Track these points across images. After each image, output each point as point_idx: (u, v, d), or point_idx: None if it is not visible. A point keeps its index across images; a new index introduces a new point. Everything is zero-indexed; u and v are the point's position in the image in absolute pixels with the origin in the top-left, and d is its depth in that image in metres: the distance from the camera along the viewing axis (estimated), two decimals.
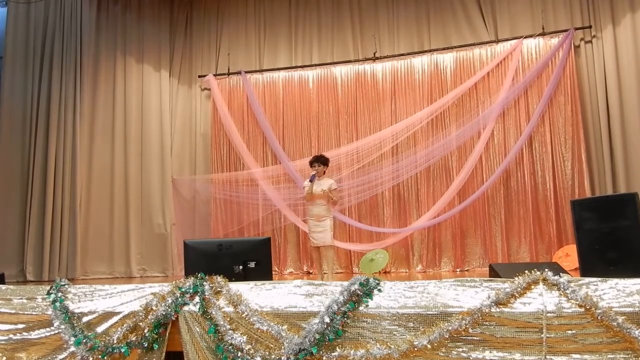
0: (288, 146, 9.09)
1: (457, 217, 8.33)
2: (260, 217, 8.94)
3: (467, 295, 2.49)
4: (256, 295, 2.80)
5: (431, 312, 2.45)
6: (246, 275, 3.59)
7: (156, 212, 9.04)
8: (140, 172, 9.11)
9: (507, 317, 2.35)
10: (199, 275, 2.92)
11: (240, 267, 3.64)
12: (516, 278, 2.48)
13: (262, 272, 3.67)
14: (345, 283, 2.63)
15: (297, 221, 8.72)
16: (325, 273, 6.83)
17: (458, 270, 8.24)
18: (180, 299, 2.83)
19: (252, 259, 3.70)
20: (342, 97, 9.05)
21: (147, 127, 9.25)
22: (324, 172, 6.91)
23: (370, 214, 8.66)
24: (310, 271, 8.66)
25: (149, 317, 2.82)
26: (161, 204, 9.10)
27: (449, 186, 8.39)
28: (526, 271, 2.49)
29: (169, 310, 2.80)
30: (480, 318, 2.36)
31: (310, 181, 6.75)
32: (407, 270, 8.43)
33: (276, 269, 8.70)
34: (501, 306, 2.39)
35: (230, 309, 2.73)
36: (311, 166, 6.89)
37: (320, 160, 6.89)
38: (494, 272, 3.93)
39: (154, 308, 2.84)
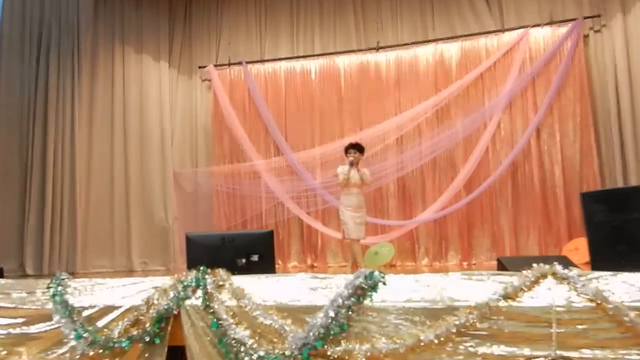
0: (291, 137, 9.07)
1: (463, 209, 8.31)
2: (263, 210, 8.93)
3: (475, 289, 2.48)
4: (259, 289, 2.80)
5: (437, 306, 2.44)
6: (249, 269, 3.58)
7: (157, 205, 9.04)
8: (141, 165, 9.10)
9: (515, 312, 2.34)
10: (201, 268, 2.91)
11: (243, 260, 3.63)
12: (524, 272, 2.46)
13: (266, 265, 3.67)
14: (350, 276, 2.63)
15: (301, 214, 8.71)
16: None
17: (465, 263, 8.24)
18: (182, 293, 2.83)
19: (255, 252, 3.69)
20: (345, 87, 9.02)
21: (147, 119, 9.23)
22: (359, 160, 6.89)
23: (374, 206, 8.65)
24: (315, 264, 8.67)
25: (151, 311, 2.81)
26: (162, 196, 9.10)
27: (454, 178, 8.38)
28: (534, 265, 2.48)
29: (171, 304, 2.80)
30: (488, 312, 2.35)
31: (351, 165, 6.70)
32: (413, 264, 8.43)
33: (280, 262, 8.71)
34: (509, 300, 2.37)
35: (233, 302, 2.72)
36: (346, 153, 6.84)
37: (358, 148, 6.84)
38: (502, 266, 3.92)
39: (155, 302, 2.84)
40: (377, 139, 8.63)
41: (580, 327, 2.25)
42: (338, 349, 2.46)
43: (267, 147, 9.16)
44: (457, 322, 2.35)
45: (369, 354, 2.40)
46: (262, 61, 9.40)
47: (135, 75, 9.30)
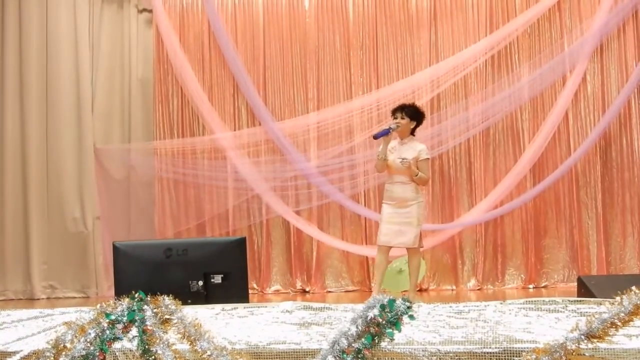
0: (272, 99, 9.04)
1: (530, 206, 8.34)
2: (230, 207, 8.92)
3: (544, 323, 2.50)
4: (225, 325, 2.82)
5: (490, 350, 2.46)
6: (209, 295, 3.60)
7: (70, 200, 9.01)
8: (45, 140, 9.04)
9: (604, 356, 2.37)
10: (136, 295, 2.93)
11: (200, 282, 3.65)
12: (618, 298, 2.48)
13: (234, 290, 3.69)
14: (360, 306, 2.64)
15: (287, 213, 8.70)
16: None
17: (531, 286, 8.29)
18: (108, 332, 2.85)
19: (218, 271, 3.71)
20: (354, 23, 8.97)
21: (55, 70, 9.15)
22: (412, 130, 6.70)
23: None
24: (307, 289, 8.68)
25: (62, 358, 2.83)
26: (77, 187, 9.05)
27: (517, 159, 8.40)
28: (634, 288, 2.50)
29: (92, 348, 2.82)
30: (564, 358, 2.37)
31: (375, 137, 6.58)
32: (454, 287, 8.48)
33: (255, 285, 8.72)
34: (595, 340, 2.40)
35: (185, 345, 2.74)
36: (393, 116, 6.74)
37: (407, 110, 6.66)
38: (586, 289, 3.95)
39: (68, 345, 2.85)
40: (402, 100, 8.57)
41: None
42: None
43: (236, 113, 9.12)
44: None
45: None
46: None
47: (37, 4, 9.23)
